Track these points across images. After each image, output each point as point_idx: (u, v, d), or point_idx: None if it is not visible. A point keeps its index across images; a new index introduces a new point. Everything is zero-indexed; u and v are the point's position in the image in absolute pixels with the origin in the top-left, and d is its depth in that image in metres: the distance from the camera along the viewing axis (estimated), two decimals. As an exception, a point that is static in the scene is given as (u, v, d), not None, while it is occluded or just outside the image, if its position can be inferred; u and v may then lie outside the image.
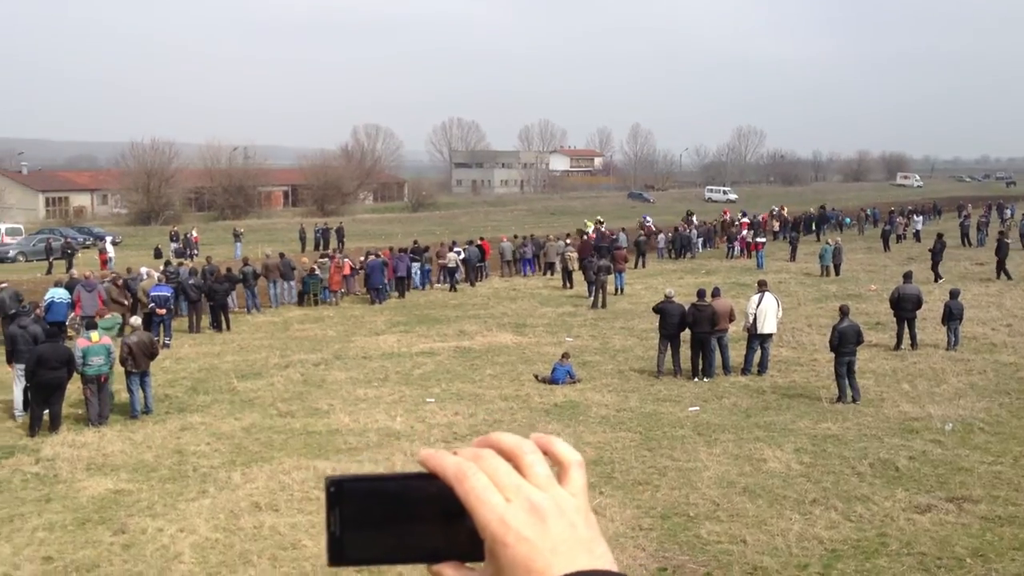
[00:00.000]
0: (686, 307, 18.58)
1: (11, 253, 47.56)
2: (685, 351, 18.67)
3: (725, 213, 54.01)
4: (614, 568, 0.85)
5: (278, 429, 15.16)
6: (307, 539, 10.33)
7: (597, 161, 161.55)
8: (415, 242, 36.35)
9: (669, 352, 18.62)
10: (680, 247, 43.51)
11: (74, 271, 25.94)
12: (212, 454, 13.78)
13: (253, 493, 11.93)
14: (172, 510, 11.39)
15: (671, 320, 18.45)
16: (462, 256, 33.48)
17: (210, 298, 24.58)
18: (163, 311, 22.24)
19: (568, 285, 32.52)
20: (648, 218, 52.29)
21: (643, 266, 38.48)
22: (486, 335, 23.58)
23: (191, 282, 24.55)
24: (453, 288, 32.36)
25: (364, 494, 0.88)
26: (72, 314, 21.87)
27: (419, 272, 33.03)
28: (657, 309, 18.94)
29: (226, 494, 11.93)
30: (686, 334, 18.52)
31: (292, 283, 29.28)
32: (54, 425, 14.81)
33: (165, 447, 14.11)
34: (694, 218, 51.65)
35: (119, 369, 15.75)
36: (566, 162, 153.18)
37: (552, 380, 17.91)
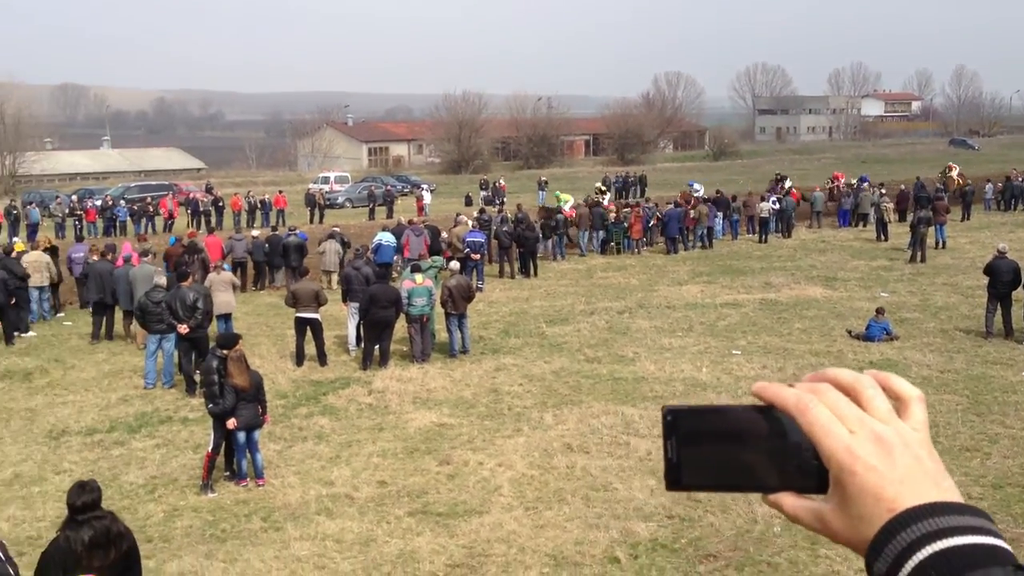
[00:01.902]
0: (1021, 264, 17.11)
1: (339, 200, 51.52)
2: (1017, 310, 17.24)
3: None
4: (962, 501, 0.82)
5: (585, 374, 15.55)
6: (618, 482, 10.58)
7: (915, 105, 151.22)
8: (718, 192, 35.76)
9: (999, 312, 17.26)
10: (1011, 198, 39.94)
11: (401, 217, 27.62)
12: (525, 395, 14.38)
13: (564, 434, 12.35)
14: (490, 445, 12.04)
15: (1003, 278, 17.06)
16: (778, 206, 32.55)
17: (520, 245, 25.49)
18: (477, 256, 23.34)
19: (883, 237, 30.82)
20: (695, 185, 41.88)
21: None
22: (793, 288, 22.90)
23: (504, 229, 25.53)
24: (764, 239, 31.60)
25: (700, 423, 0.91)
26: (398, 256, 23.48)
27: (723, 222, 32.52)
28: (988, 267, 17.57)
29: (539, 433, 12.43)
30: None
31: (599, 232, 29.78)
32: (383, 360, 16.00)
33: (482, 386, 14.88)
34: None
35: (439, 310, 16.74)
36: (880, 107, 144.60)
37: (867, 337, 17.14)
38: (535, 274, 25.62)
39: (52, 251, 21.50)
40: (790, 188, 36.13)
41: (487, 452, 11.77)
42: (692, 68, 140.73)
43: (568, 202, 31.42)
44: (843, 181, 41.19)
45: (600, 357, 16.60)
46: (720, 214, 32.45)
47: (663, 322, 19.42)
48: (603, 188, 38.94)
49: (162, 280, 16.03)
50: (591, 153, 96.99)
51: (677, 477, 0.91)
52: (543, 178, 52.19)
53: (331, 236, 23.78)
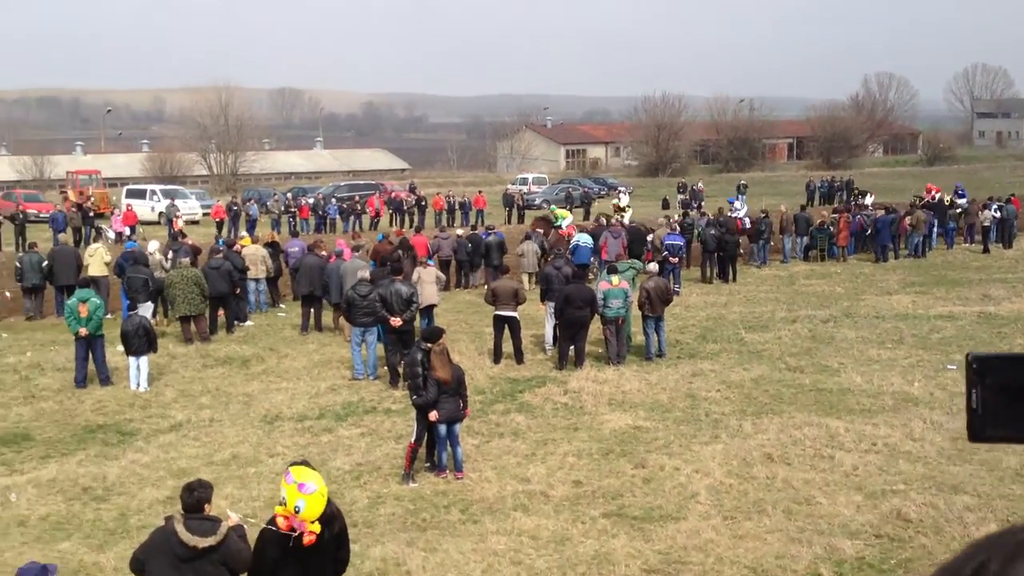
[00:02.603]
0: None
1: (537, 200, 52.11)
2: None
3: None
4: None
5: (787, 383, 15.08)
6: (821, 496, 10.19)
7: None
8: (932, 197, 33.94)
9: None
10: None
11: (601, 218, 27.57)
12: (723, 401, 14.09)
13: (764, 444, 12.01)
14: (687, 451, 11.85)
15: None
16: (998, 215, 30.64)
17: (721, 249, 25.03)
18: (675, 259, 23.07)
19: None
20: (736, 202, 37.36)
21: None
22: (1015, 301, 21.47)
23: (711, 232, 25.14)
24: (986, 249, 29.78)
25: (1009, 373, 0.84)
26: (594, 258, 23.51)
27: (940, 231, 30.88)
28: None
29: (738, 441, 12.13)
30: None
31: (803, 237, 28.86)
32: (579, 360, 16.04)
33: (678, 390, 14.68)
34: None
35: (635, 312, 16.61)
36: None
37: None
38: (735, 279, 25.09)
39: (274, 246, 22.75)
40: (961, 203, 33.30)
41: (683, 458, 11.59)
42: (905, 69, 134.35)
43: (566, 219, 27.66)
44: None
45: (802, 366, 16.07)
46: (936, 222, 30.81)
47: (870, 332, 18.60)
48: (623, 206, 34.79)
49: (367, 274, 16.65)
50: (794, 157, 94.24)
51: (981, 428, 0.88)
52: (743, 181, 51.07)
53: (528, 237, 24.07)
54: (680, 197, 47.81)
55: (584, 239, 23.51)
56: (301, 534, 6.23)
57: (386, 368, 15.53)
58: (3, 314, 21.38)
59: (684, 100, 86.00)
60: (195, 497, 6.48)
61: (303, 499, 6.23)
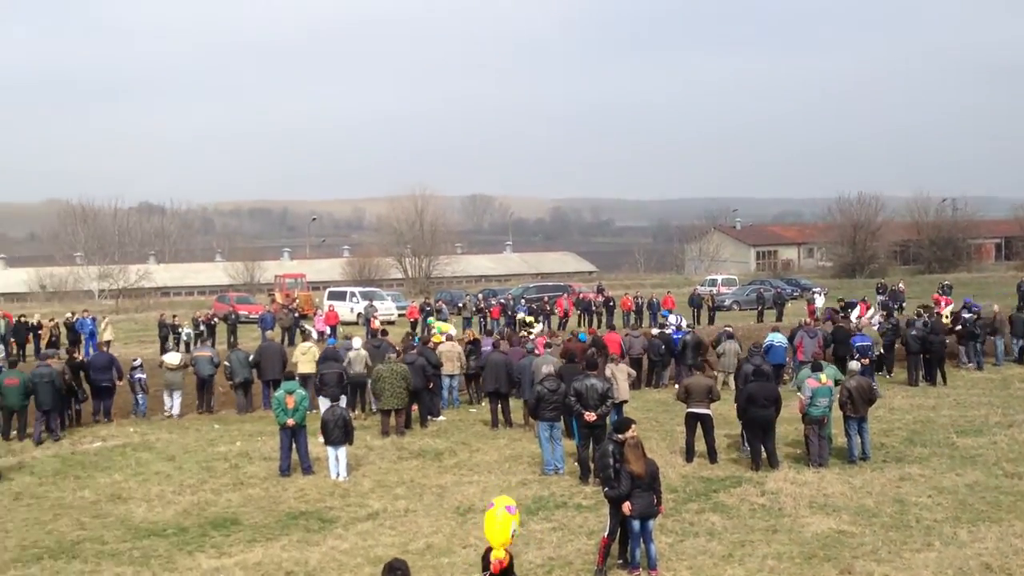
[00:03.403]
0: None
1: (727, 302, 51.41)
2: None
3: None
4: None
5: (1005, 490, 14.03)
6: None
7: None
8: None
9: None
10: None
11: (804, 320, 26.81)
12: (934, 507, 13.22)
13: (982, 553, 11.16)
14: (897, 558, 11.13)
15: None
16: None
17: (926, 350, 23.81)
18: (866, 360, 22.05)
19: None
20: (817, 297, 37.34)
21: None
22: None
23: (912, 333, 24.04)
24: None
25: None
26: (788, 359, 22.85)
27: None
28: None
29: (953, 550, 11.32)
30: None
31: (1019, 340, 27.11)
32: (771, 461, 15.46)
33: (885, 494, 13.89)
34: None
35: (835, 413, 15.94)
36: None
37: None
38: (944, 382, 23.74)
39: (475, 343, 23.39)
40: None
41: (893, 565, 10.88)
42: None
43: (447, 331, 25.60)
44: None
45: (1021, 472, 14.93)
46: None
47: (1099, 439, 17.12)
48: (530, 320, 34.19)
49: (552, 369, 16.73)
50: (1003, 257, 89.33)
51: None
52: (946, 282, 48.69)
53: (730, 336, 23.73)
54: (880, 298, 46.02)
55: (778, 338, 22.93)
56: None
57: (576, 463, 15.44)
58: (216, 407, 22.60)
59: (881, 200, 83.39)
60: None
61: (515, 521, 6.64)
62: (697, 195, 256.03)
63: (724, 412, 18.24)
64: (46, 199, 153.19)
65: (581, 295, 47.74)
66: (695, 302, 43.37)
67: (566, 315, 42.76)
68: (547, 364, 17.54)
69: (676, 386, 21.31)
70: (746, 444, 16.23)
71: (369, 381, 20.19)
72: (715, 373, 22.27)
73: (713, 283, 61.41)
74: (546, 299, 46.53)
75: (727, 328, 25.72)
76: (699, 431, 16.10)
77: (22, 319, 35.44)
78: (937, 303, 34.20)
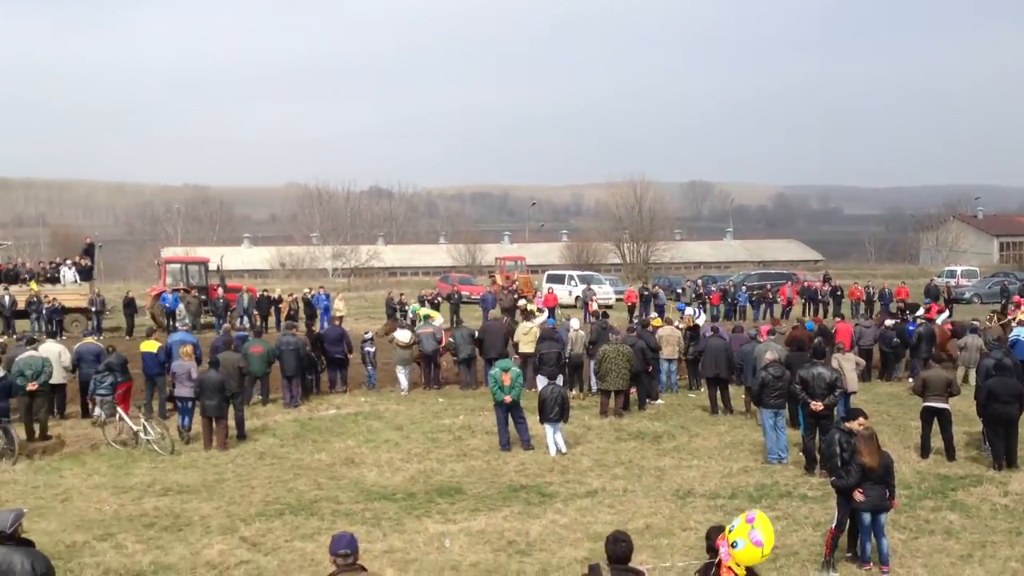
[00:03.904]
0: None
1: (966, 295, 48.44)
2: None
3: None
4: None
5: None
6: None
7: None
8: None
9: None
10: None
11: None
12: None
13: None
14: None
15: None
16: None
17: None
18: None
19: None
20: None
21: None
22: None
23: None
24: None
25: None
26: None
27: None
28: None
29: None
30: None
31: None
32: (1010, 460, 14.48)
33: None
34: None
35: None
36: None
37: None
38: None
39: (694, 329, 23.15)
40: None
41: None
42: None
43: (437, 320, 25.93)
44: None
45: None
46: None
47: None
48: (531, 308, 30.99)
49: (775, 355, 16.27)
50: None
51: None
52: None
53: (974, 330, 22.49)
54: None
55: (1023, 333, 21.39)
56: (720, 562, 6.18)
57: (801, 453, 14.96)
58: (443, 382, 23.34)
59: None
60: (622, 548, 6.58)
61: (745, 541, 6.16)
62: (933, 182, 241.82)
63: (963, 408, 17.21)
64: (286, 183, 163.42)
65: (806, 283, 46.19)
66: (932, 293, 41.09)
67: (789, 303, 41.53)
68: (771, 351, 17.08)
69: (911, 380, 20.29)
70: (987, 442, 15.24)
71: (591, 362, 20.31)
72: (954, 367, 21.06)
73: (952, 274, 57.98)
74: (768, 287, 45.35)
75: (974, 321, 24.28)
76: (935, 427, 15.27)
77: (264, 293, 37.91)
78: None
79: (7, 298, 33.38)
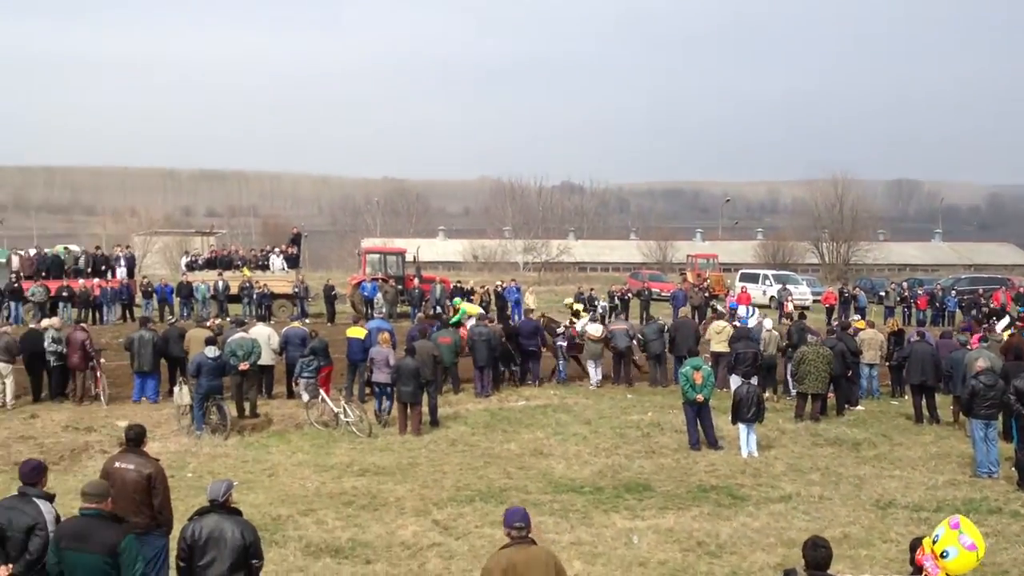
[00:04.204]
0: None
1: None
2: None
3: None
4: None
5: None
6: None
7: None
8: None
9: None
10: None
11: None
12: None
13: None
14: None
15: None
16: None
17: None
18: None
19: None
20: None
21: None
22: None
23: None
24: None
25: None
26: None
27: None
28: None
29: None
30: None
31: None
32: None
33: None
34: None
35: None
36: None
37: None
38: None
39: (898, 334, 22.29)
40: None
41: None
42: None
43: (474, 313, 25.24)
44: None
45: None
46: None
47: None
48: (577, 308, 29.44)
49: (985, 363, 15.32)
50: None
51: None
52: None
53: None
54: None
55: None
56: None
57: (1013, 469, 14.02)
58: (632, 378, 23.17)
59: None
60: (821, 554, 6.34)
61: (957, 548, 5.81)
62: None
63: None
64: (479, 176, 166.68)
65: (1021, 289, 43.27)
66: None
67: (1003, 310, 39.00)
68: (983, 358, 16.08)
69: None
70: None
71: (786, 363, 19.75)
72: None
73: None
74: (980, 292, 42.74)
75: None
76: None
77: (458, 284, 38.79)
78: None
79: (221, 283, 35.48)
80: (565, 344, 23.17)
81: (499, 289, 38.48)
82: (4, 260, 37.10)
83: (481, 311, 28.05)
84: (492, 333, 21.34)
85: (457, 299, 33.98)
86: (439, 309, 35.70)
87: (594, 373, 22.51)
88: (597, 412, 19.28)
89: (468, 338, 21.24)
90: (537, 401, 20.46)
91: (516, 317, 35.90)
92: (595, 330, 22.67)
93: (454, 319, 25.69)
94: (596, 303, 37.30)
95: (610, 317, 35.22)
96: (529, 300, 36.56)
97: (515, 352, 22.38)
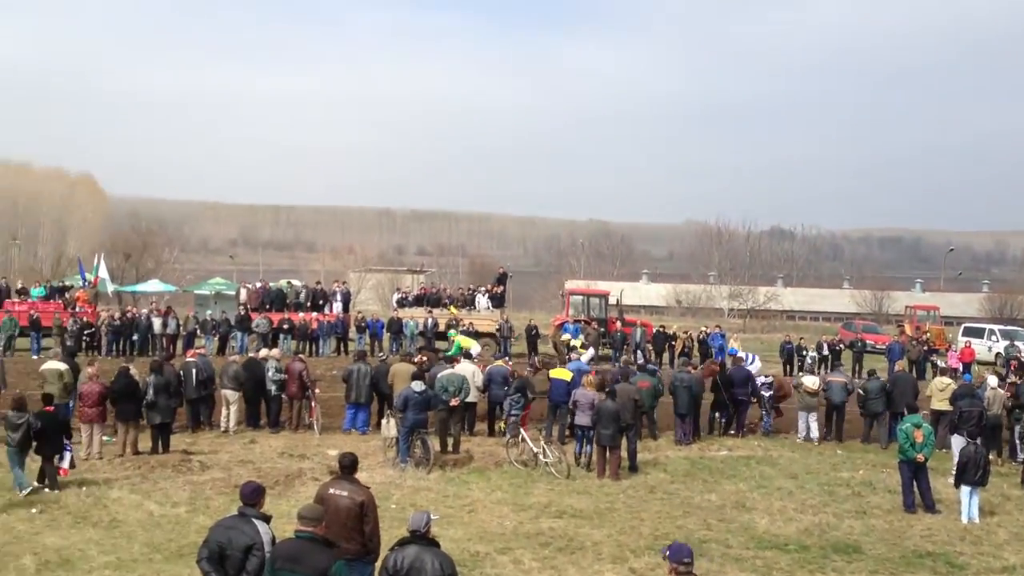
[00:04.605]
0: None
1: None
2: None
3: None
4: None
5: None
6: None
7: None
8: None
9: None
10: None
11: None
12: None
13: None
14: None
15: None
16: None
17: None
18: None
19: None
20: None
21: None
22: None
23: None
24: None
25: None
26: None
27: None
28: None
29: None
30: None
31: None
32: None
33: None
34: None
35: None
36: None
37: None
38: None
39: None
40: None
41: None
42: None
43: (475, 349, 25.60)
44: None
45: None
46: None
47: None
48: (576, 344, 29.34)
49: None
50: None
51: None
52: None
53: None
54: None
55: None
56: None
57: None
58: (844, 434, 22.13)
59: None
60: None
61: None
62: None
63: None
64: (684, 220, 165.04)
65: None
66: None
67: None
68: None
69: None
70: None
71: (1017, 426, 18.44)
72: None
73: None
74: None
75: None
76: None
77: (660, 329, 38.41)
78: None
79: (430, 320, 36.59)
80: (770, 394, 22.47)
81: (703, 335, 37.86)
82: (233, 293, 39.75)
83: (475, 344, 28.08)
84: (694, 379, 20.98)
85: (452, 331, 33.41)
86: (640, 353, 35.46)
87: (803, 426, 21.69)
88: (804, 467, 18.57)
89: (670, 384, 20.96)
90: (740, 452, 19.92)
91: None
92: (811, 382, 21.87)
93: (450, 352, 25.60)
94: (805, 352, 36.13)
95: (819, 368, 34.00)
96: (735, 347, 35.74)
97: (729, 401, 21.84)
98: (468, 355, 23.31)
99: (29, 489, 14.54)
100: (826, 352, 37.16)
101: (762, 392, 22.49)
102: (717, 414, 22.13)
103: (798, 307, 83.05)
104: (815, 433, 21.49)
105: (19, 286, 37.74)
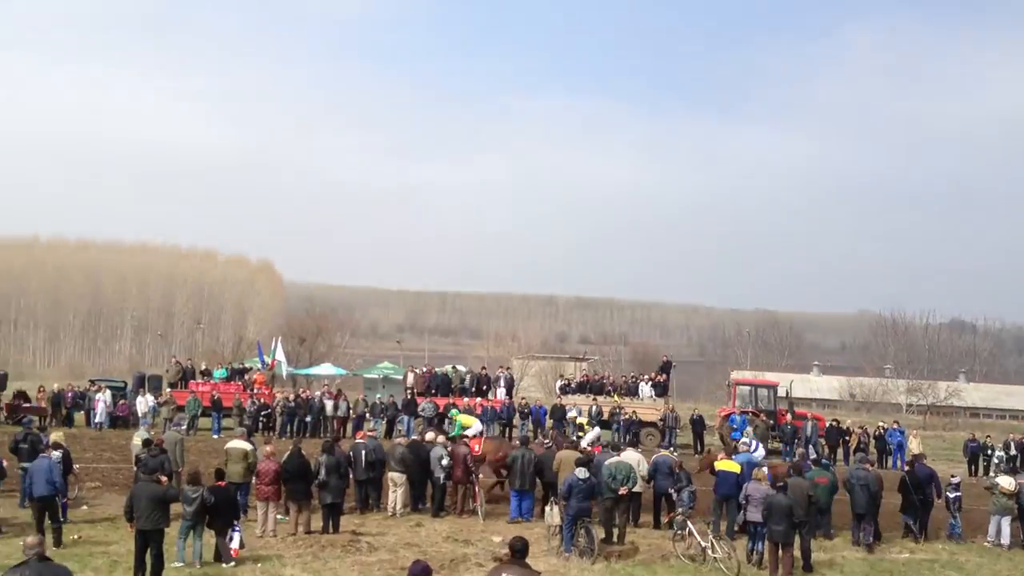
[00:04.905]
0: None
1: None
2: None
3: None
4: None
5: None
6: None
7: None
8: None
9: None
10: None
11: None
12: None
13: None
14: None
15: None
16: None
17: None
18: None
19: None
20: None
21: None
22: None
23: None
24: None
25: None
26: None
27: None
28: None
29: None
30: None
31: None
32: None
33: None
34: None
35: None
36: None
37: None
38: None
39: None
40: None
41: None
42: None
43: (473, 428, 25.62)
44: None
45: None
46: None
47: None
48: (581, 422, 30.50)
49: None
50: None
51: None
52: None
53: None
54: None
55: None
56: None
57: None
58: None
59: None
60: None
61: None
62: None
63: None
64: (858, 311, 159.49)
65: None
66: None
67: None
68: None
69: None
70: None
71: None
72: None
73: None
74: None
75: None
76: None
77: (834, 423, 36.95)
78: None
79: (593, 408, 36.38)
80: (957, 495, 21.10)
81: (879, 431, 36.17)
82: (400, 377, 40.70)
83: (478, 423, 27.42)
84: (872, 477, 19.94)
85: (454, 411, 32.06)
86: (813, 448, 34.13)
87: (994, 529, 20.24)
88: (992, 572, 17.30)
89: (845, 481, 20.00)
90: (923, 555, 18.74)
91: (897, 463, 33.63)
92: (1007, 483, 20.46)
93: (452, 433, 24.95)
94: (991, 452, 33.93)
95: (1005, 467, 31.87)
96: (913, 445, 33.96)
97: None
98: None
99: (180, 564, 15.03)
100: (1014, 451, 34.82)
101: (947, 493, 21.16)
102: (909, 520, 20.64)
103: (982, 404, 78.50)
104: (1006, 539, 20.02)
105: (203, 368, 39.79)
